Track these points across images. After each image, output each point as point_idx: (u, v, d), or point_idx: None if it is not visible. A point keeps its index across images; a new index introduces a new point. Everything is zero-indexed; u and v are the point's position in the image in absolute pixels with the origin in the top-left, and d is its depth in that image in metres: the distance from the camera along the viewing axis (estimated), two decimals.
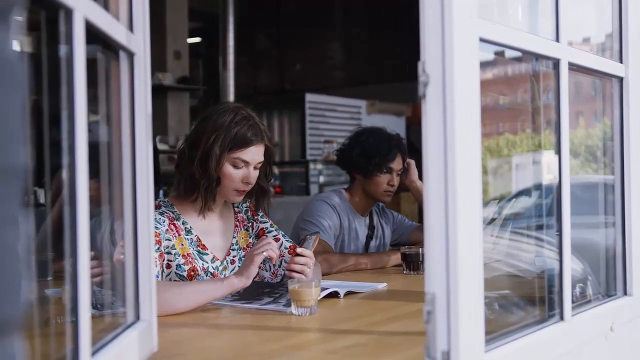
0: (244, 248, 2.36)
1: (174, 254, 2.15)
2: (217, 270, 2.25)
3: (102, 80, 1.33)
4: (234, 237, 2.35)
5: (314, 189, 7.43)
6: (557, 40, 1.51)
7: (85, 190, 1.02)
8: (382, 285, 2.36)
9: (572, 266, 1.57)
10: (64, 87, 1.01)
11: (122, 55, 1.33)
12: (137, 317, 1.38)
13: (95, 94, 1.30)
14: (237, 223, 2.38)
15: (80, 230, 1.01)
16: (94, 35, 1.11)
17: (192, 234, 2.23)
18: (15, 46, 0.59)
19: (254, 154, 2.21)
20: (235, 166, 2.19)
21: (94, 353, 1.09)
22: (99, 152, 1.34)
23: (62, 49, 1.01)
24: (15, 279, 0.57)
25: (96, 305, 1.41)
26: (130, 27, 1.35)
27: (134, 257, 1.37)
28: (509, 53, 1.55)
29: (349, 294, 2.18)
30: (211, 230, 2.29)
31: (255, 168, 2.23)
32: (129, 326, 1.34)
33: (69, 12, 0.99)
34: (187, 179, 2.21)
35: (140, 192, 1.38)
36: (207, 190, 2.19)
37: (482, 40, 1.25)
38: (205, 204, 2.23)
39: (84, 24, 1.02)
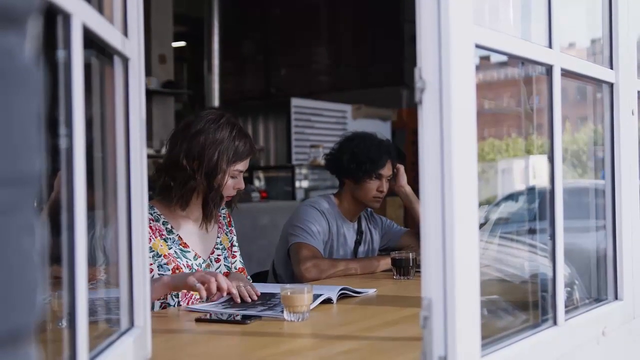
0: (228, 248, 2.45)
1: (153, 256, 2.20)
2: (201, 267, 2.32)
3: (96, 85, 1.33)
4: (218, 237, 2.44)
5: (300, 193, 7.42)
6: (550, 46, 1.52)
7: (82, 195, 1.01)
8: (372, 291, 2.36)
9: None
10: (61, 91, 1.00)
11: (117, 60, 1.33)
12: (132, 324, 1.36)
13: (89, 98, 1.30)
14: (220, 225, 2.47)
15: (77, 237, 1.00)
16: (89, 40, 1.10)
17: (173, 233, 2.29)
18: (31, 53, 0.58)
19: (248, 163, 2.35)
20: (233, 177, 2.31)
21: None
22: (92, 156, 1.33)
23: (60, 54, 1.00)
24: (31, 287, 0.57)
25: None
26: (125, 32, 1.34)
27: (128, 263, 1.37)
28: (494, 58, 1.55)
29: (342, 297, 2.19)
30: (194, 231, 2.35)
31: (243, 174, 2.37)
32: (123, 333, 1.33)
33: (67, 17, 0.98)
34: (189, 192, 2.26)
35: (135, 198, 1.37)
36: (215, 203, 2.29)
37: (477, 46, 1.25)
38: (210, 216, 2.32)
39: (82, 29, 1.01)
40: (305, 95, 8.68)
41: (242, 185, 2.35)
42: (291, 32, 9.98)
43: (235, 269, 2.42)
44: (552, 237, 1.54)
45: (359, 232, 3.16)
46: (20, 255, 0.55)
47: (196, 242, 2.34)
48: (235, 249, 2.51)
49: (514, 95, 1.94)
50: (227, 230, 2.50)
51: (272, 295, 2.19)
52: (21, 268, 0.55)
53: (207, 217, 2.32)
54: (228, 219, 2.53)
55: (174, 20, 8.00)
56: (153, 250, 2.20)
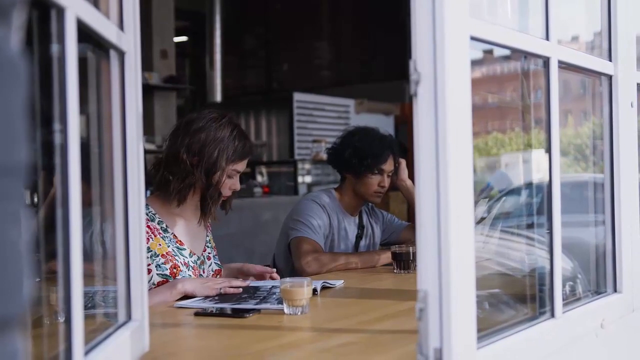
0: (214, 247, 2.50)
1: (151, 256, 2.22)
2: (196, 264, 2.36)
3: (92, 79, 1.33)
4: (207, 236, 2.48)
5: (302, 188, 7.42)
6: (547, 38, 1.52)
7: (77, 191, 1.01)
8: (339, 283, 2.39)
9: (562, 264, 1.58)
10: (55, 86, 1.01)
11: (113, 54, 1.33)
12: (129, 317, 1.37)
13: (85, 93, 1.30)
14: (208, 225, 2.51)
15: (72, 231, 1.00)
16: (84, 33, 1.10)
17: (168, 232, 2.31)
18: (16, 44, 0.59)
19: (245, 164, 2.39)
20: (229, 176, 2.33)
21: (86, 353, 1.08)
22: (88, 152, 1.33)
23: (54, 48, 1.01)
24: (18, 276, 0.57)
25: (86, 305, 1.41)
26: (121, 26, 1.34)
27: (125, 257, 1.37)
28: (498, 51, 1.55)
29: (324, 288, 2.24)
30: (186, 229, 2.38)
31: (241, 175, 2.40)
32: (120, 326, 1.33)
33: (60, 11, 0.98)
34: (187, 187, 2.28)
35: (132, 192, 1.37)
36: (213, 200, 2.32)
37: (473, 38, 1.25)
38: (208, 211, 2.34)
39: (76, 23, 1.02)
40: (307, 90, 8.67)
41: (238, 187, 2.39)
42: (293, 27, 9.98)
43: (212, 271, 2.44)
44: (550, 229, 1.54)
45: (360, 227, 3.16)
46: (5, 245, 0.55)
47: (189, 240, 2.37)
48: (213, 251, 2.55)
49: (518, 89, 1.94)
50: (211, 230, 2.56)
51: (257, 288, 2.20)
52: (6, 258, 0.56)
53: (205, 213, 2.34)
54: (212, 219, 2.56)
55: (175, 15, 8.00)
56: (151, 251, 2.22)
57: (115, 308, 1.38)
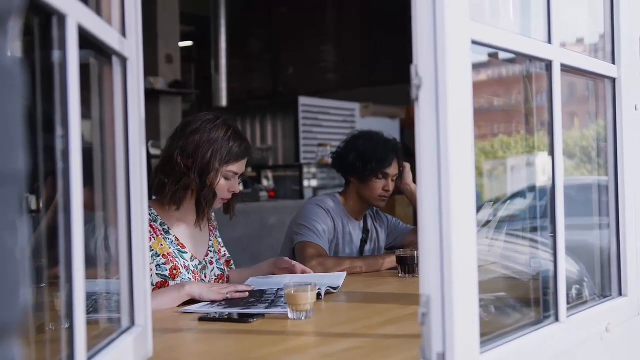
0: (217, 251, 2.49)
1: (152, 256, 2.23)
2: (197, 269, 2.36)
3: (95, 85, 1.33)
4: (210, 240, 2.48)
5: (308, 192, 7.42)
6: (550, 41, 1.52)
7: (79, 196, 1.02)
8: (342, 276, 2.41)
9: (568, 268, 1.57)
10: (57, 92, 1.01)
11: (115, 61, 1.33)
12: (132, 323, 1.37)
13: (88, 99, 1.30)
14: (211, 228, 2.51)
15: (74, 237, 1.00)
16: (86, 40, 1.11)
17: (170, 234, 2.32)
18: (13, 52, 0.59)
19: (243, 166, 2.37)
20: (226, 178, 2.33)
21: (89, 359, 1.08)
22: (92, 158, 1.33)
23: (55, 54, 1.01)
24: (14, 284, 0.57)
25: (89, 310, 1.41)
26: (123, 32, 1.35)
27: (129, 262, 1.37)
28: (503, 54, 1.55)
29: (328, 293, 2.23)
30: (189, 233, 2.39)
31: (239, 178, 2.39)
32: (124, 331, 1.33)
33: (62, 18, 0.98)
34: (182, 189, 2.29)
35: (135, 198, 1.37)
36: (207, 201, 2.31)
37: (474, 42, 1.25)
38: (203, 214, 2.35)
39: (77, 30, 1.02)
40: (313, 93, 8.67)
41: (237, 189, 2.38)
42: (298, 30, 9.97)
43: (215, 276, 2.45)
44: (554, 233, 1.53)
45: (365, 231, 3.16)
46: (2, 253, 0.56)
47: (191, 244, 2.37)
48: (222, 248, 2.56)
49: (523, 92, 1.94)
50: (216, 234, 2.55)
51: (263, 292, 2.20)
52: (3, 265, 0.56)
53: (200, 215, 2.34)
54: (215, 223, 2.58)
55: (180, 19, 8.00)
56: (152, 250, 2.22)
57: (118, 311, 1.38)
